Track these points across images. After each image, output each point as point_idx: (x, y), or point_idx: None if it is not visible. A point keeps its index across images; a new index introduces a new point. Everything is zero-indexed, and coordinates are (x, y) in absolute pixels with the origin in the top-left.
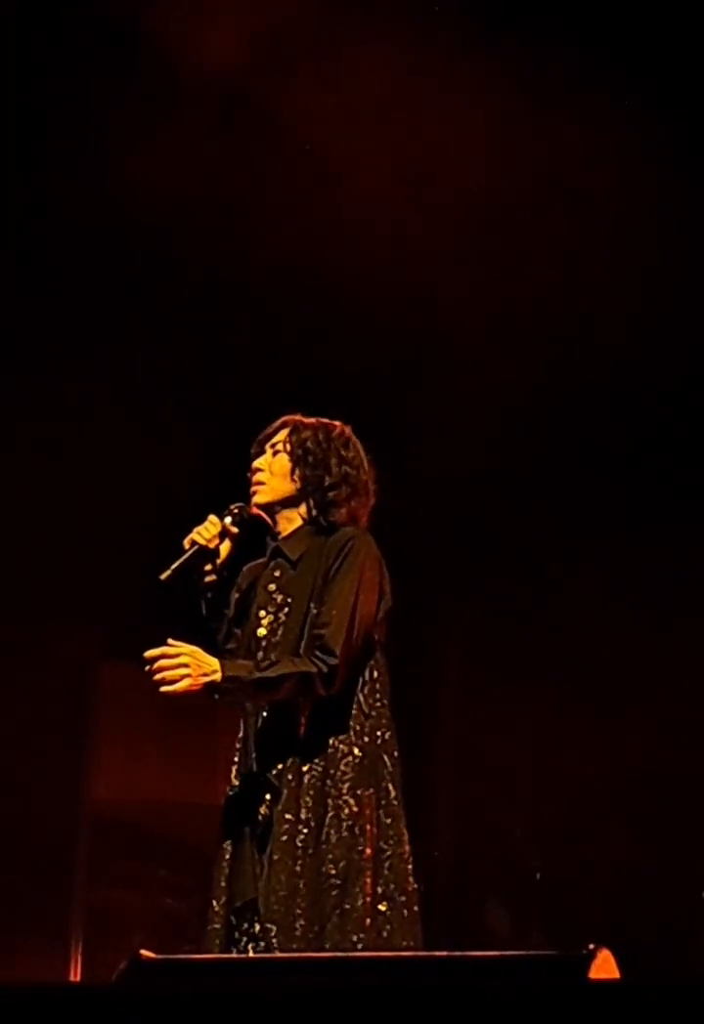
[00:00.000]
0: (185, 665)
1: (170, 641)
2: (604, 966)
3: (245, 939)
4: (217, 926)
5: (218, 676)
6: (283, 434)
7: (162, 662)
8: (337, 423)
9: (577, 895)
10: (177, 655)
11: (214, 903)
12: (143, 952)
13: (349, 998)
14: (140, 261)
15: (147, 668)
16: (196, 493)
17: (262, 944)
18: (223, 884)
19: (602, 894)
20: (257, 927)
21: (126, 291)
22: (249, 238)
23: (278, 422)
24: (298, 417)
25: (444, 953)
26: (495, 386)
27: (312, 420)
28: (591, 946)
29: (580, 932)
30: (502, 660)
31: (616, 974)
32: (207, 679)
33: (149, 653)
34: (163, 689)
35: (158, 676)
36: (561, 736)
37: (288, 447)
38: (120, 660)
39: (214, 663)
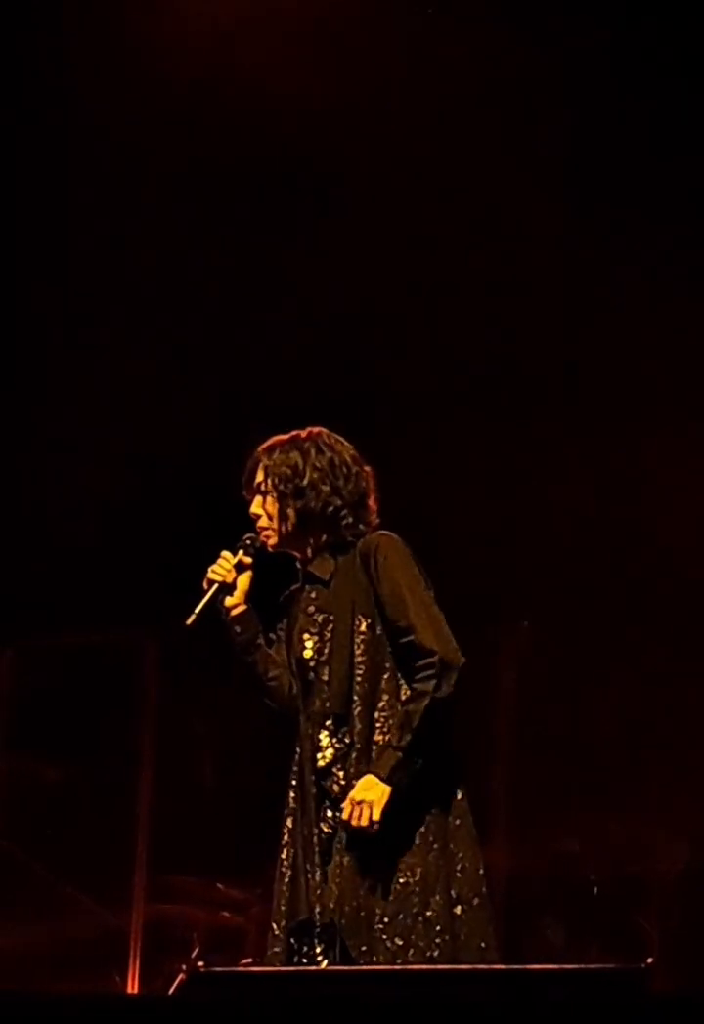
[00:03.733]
0: (363, 813)
1: (340, 819)
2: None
3: (305, 961)
4: (277, 949)
5: (388, 786)
6: (261, 472)
7: (352, 826)
8: (303, 431)
9: (635, 908)
10: (351, 810)
11: (274, 926)
12: (201, 964)
13: (406, 1010)
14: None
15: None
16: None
17: (324, 962)
18: (283, 907)
19: (660, 907)
20: (317, 948)
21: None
22: None
23: (251, 461)
24: (267, 445)
25: (504, 966)
26: None
27: (280, 441)
28: (650, 959)
29: (638, 947)
30: (558, 669)
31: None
32: (385, 799)
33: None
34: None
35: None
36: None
37: (270, 484)
38: (172, 671)
39: (373, 783)
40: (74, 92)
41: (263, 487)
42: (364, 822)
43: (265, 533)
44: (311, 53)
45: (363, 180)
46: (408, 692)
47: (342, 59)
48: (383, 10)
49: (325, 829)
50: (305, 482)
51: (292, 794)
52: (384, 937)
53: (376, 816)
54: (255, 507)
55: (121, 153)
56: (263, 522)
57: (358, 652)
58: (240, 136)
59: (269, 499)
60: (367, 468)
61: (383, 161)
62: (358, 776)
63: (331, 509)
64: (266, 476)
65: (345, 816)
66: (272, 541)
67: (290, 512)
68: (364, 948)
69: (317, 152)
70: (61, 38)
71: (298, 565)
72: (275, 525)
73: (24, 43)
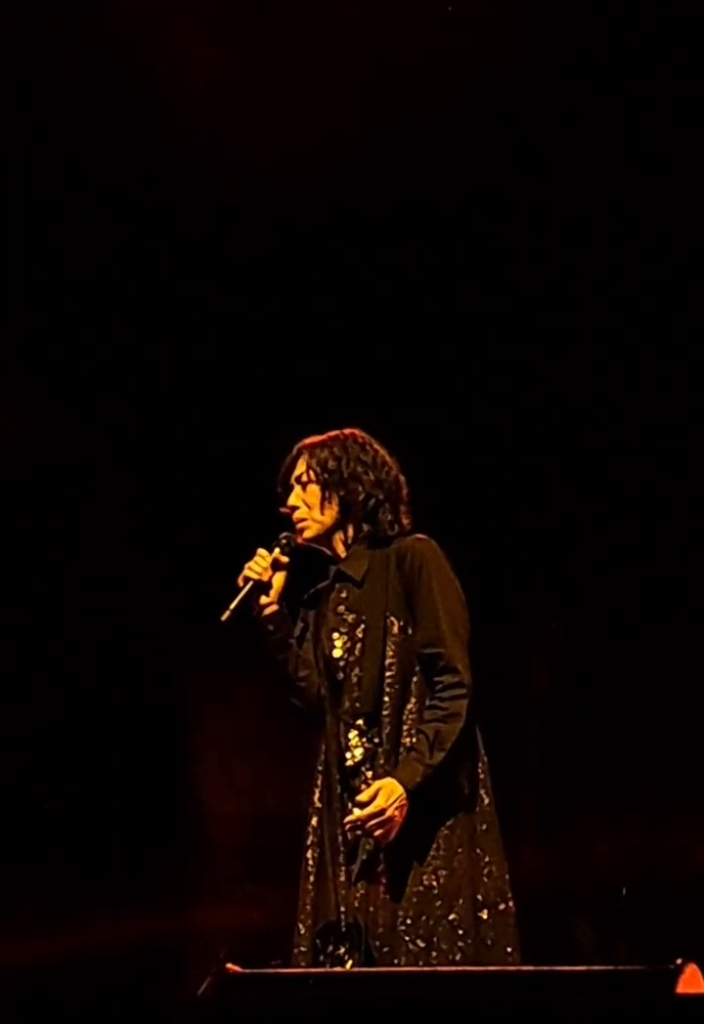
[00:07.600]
0: (381, 821)
1: (358, 799)
2: (691, 980)
3: (330, 962)
4: (303, 949)
5: (405, 795)
6: (303, 465)
7: (368, 827)
8: (345, 431)
9: (662, 909)
10: (368, 817)
11: (300, 926)
12: (229, 966)
13: (432, 1011)
14: None
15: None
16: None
17: (349, 963)
18: (309, 907)
19: (687, 908)
20: (342, 949)
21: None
22: None
23: (293, 453)
24: (308, 441)
25: (531, 968)
26: None
27: (321, 438)
28: (679, 960)
29: (666, 947)
30: (589, 670)
31: (703, 988)
32: (403, 803)
33: (347, 824)
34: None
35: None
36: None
37: (313, 475)
38: (209, 670)
39: (393, 787)
40: None
41: (303, 478)
42: (389, 840)
43: (302, 524)
44: None
45: None
46: (432, 700)
47: None
48: None
49: (350, 831)
50: (348, 472)
51: (317, 793)
52: (406, 938)
53: (393, 835)
54: (293, 499)
55: None
56: (301, 513)
57: (389, 653)
58: None
59: (310, 489)
60: (401, 474)
61: None
62: (385, 777)
63: (373, 501)
64: (307, 468)
65: (365, 812)
66: (308, 532)
67: (333, 500)
68: (386, 950)
69: None
70: None
71: (330, 561)
72: (314, 514)
73: None
